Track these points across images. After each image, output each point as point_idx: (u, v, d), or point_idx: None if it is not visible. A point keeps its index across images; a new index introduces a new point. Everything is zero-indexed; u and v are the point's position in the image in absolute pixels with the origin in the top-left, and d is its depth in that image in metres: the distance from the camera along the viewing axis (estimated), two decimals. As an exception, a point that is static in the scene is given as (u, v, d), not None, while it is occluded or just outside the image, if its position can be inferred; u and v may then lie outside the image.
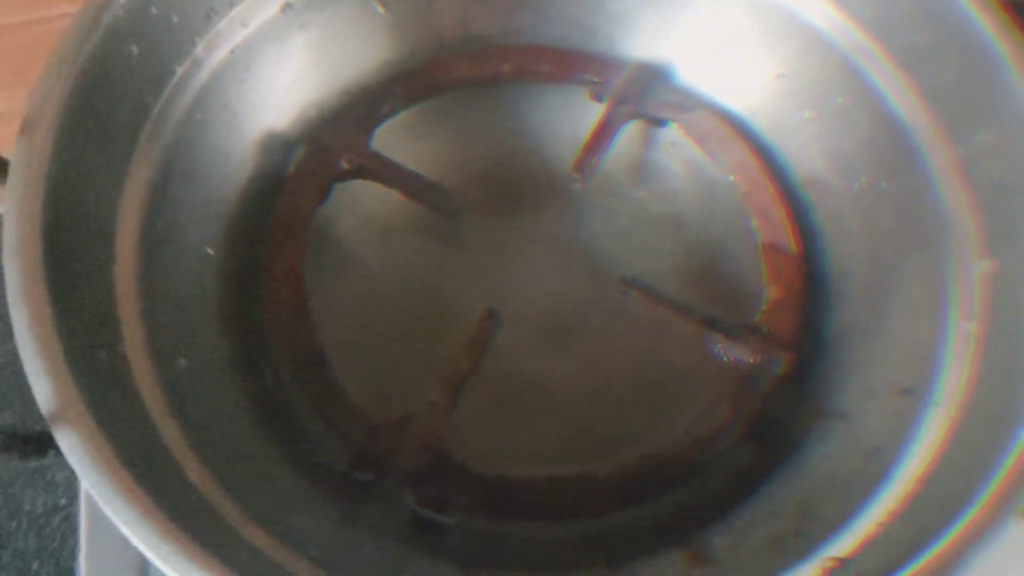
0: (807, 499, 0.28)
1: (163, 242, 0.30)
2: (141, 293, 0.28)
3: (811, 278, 0.34)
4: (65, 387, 0.22)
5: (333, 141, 0.36)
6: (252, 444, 0.29)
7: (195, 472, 0.25)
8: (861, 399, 0.30)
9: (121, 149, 0.30)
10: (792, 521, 0.27)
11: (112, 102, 0.30)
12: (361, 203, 0.36)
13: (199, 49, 0.32)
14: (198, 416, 0.27)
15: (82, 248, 0.27)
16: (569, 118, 0.39)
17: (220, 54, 0.33)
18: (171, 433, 0.25)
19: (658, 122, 0.39)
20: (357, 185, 0.36)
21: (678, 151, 0.39)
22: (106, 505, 0.21)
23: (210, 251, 0.33)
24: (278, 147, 0.36)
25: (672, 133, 0.39)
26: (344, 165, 0.35)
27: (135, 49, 0.30)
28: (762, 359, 0.32)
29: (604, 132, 0.37)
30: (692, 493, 0.30)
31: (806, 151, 0.37)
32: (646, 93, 0.38)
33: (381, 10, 0.38)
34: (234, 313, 0.32)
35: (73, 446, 0.21)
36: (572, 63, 0.39)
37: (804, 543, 0.26)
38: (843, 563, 0.24)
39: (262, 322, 0.33)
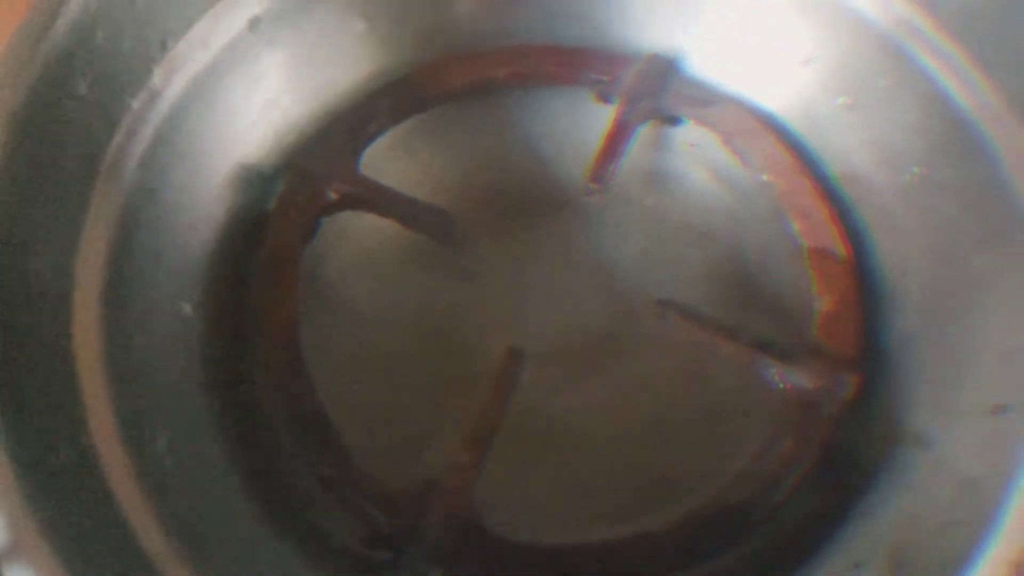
0: (899, 546, 0.24)
1: (130, 304, 0.26)
2: (107, 368, 0.24)
3: (866, 283, 0.30)
4: (15, 514, 0.18)
5: (316, 169, 0.32)
6: (252, 534, 0.25)
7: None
8: (943, 421, 0.27)
9: (73, 200, 0.25)
10: (884, 573, 0.24)
11: (58, 147, 0.25)
12: (354, 237, 0.32)
13: (156, 78, 0.28)
14: (184, 507, 0.23)
15: (32, 323, 0.23)
16: (576, 124, 0.36)
17: (181, 81, 0.29)
18: (152, 538, 0.21)
19: (673, 121, 0.35)
20: (347, 217, 0.32)
21: (699, 152, 0.35)
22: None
23: (187, 308, 0.29)
24: (255, 181, 0.32)
25: (690, 132, 0.35)
26: (331, 196, 0.31)
27: (81, 83, 0.26)
28: (824, 382, 0.28)
29: (619, 135, 0.33)
30: (760, 544, 0.27)
31: (844, 143, 0.33)
32: (661, 89, 0.34)
33: (361, 24, 0.34)
34: (220, 376, 0.28)
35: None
36: (575, 62, 0.35)
37: (907, 605, 0.22)
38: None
39: (254, 384, 0.28)
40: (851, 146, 0.33)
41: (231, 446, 0.27)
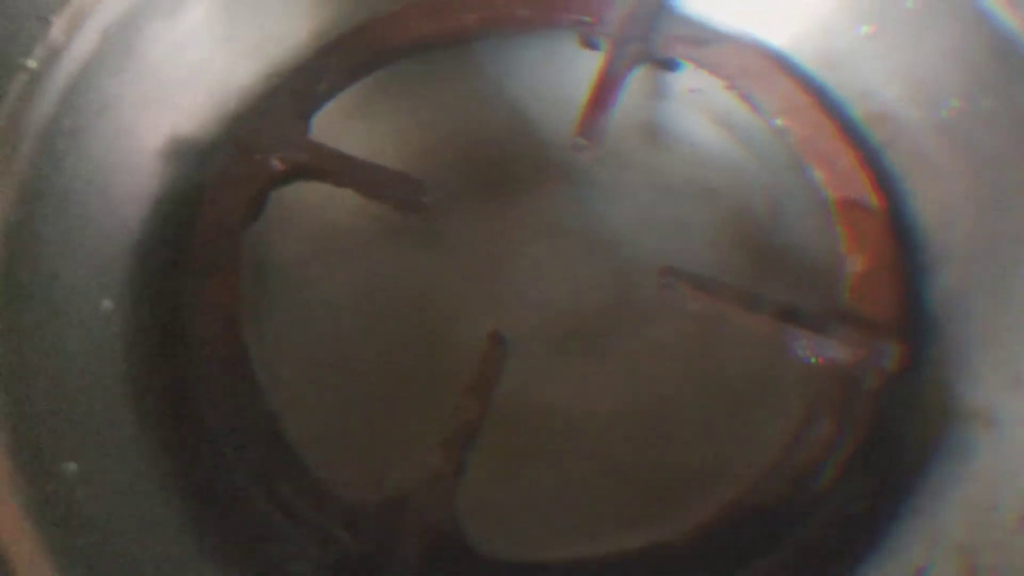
0: (970, 547, 0.20)
1: (32, 303, 0.22)
2: (2, 379, 0.20)
3: (903, 237, 0.26)
4: None
5: (260, 137, 0.27)
6: (187, 565, 0.21)
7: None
8: (1007, 390, 0.23)
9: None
10: (957, 582, 0.20)
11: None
12: (306, 212, 0.28)
13: (57, 31, 0.24)
14: (101, 543, 0.19)
15: None
16: (558, 73, 0.32)
17: (89, 37, 0.25)
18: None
19: (669, 65, 0.31)
20: (298, 189, 0.28)
21: (700, 98, 0.31)
22: None
23: (107, 303, 0.24)
24: (188, 154, 0.28)
25: (690, 77, 0.31)
26: (277, 165, 0.27)
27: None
28: (863, 353, 0.24)
29: (608, 83, 0.29)
30: (796, 550, 0.23)
31: (869, 79, 0.29)
32: (653, 29, 0.30)
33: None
34: (148, 384, 0.24)
35: None
36: (554, 3, 0.31)
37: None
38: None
39: (190, 388, 0.24)
40: (877, 82, 0.29)
41: (163, 468, 0.22)
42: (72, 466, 0.20)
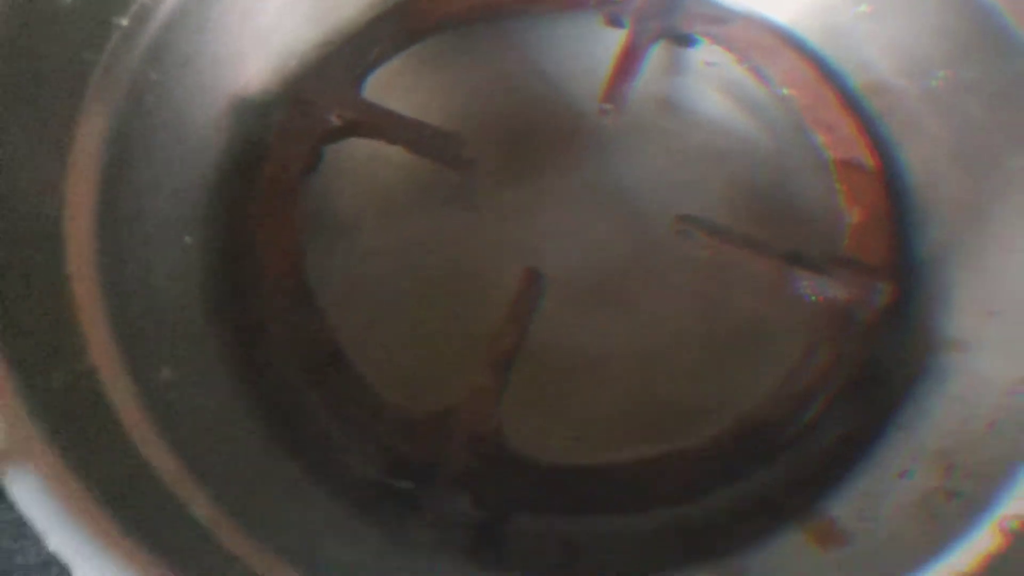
0: (946, 451, 0.23)
1: (127, 231, 0.25)
2: (105, 295, 0.23)
3: (895, 193, 0.29)
4: (16, 418, 0.17)
5: (318, 95, 0.30)
6: (262, 462, 0.24)
7: (198, 505, 0.19)
8: (980, 324, 0.26)
9: (59, 121, 0.24)
10: (936, 480, 0.23)
11: (42, 65, 0.24)
12: (359, 165, 0.31)
13: (145, -6, 0.27)
14: (193, 435, 0.22)
15: (21, 244, 0.21)
16: (585, 49, 0.34)
17: (172, 0, 0.28)
18: (162, 460, 0.20)
19: (687, 41, 0.34)
20: (351, 144, 0.30)
21: (714, 71, 0.34)
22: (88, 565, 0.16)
23: (187, 238, 0.27)
24: (255, 108, 0.30)
25: (705, 51, 0.34)
26: (334, 121, 0.30)
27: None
28: (859, 292, 0.27)
29: (631, 56, 0.32)
30: (797, 459, 0.26)
31: (865, 52, 0.32)
32: (670, 8, 0.33)
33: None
34: (224, 307, 0.27)
35: (32, 492, 0.16)
36: (583, -17, 0.34)
37: (963, 505, 0.21)
38: (1030, 522, 0.19)
39: (260, 315, 0.27)
40: (873, 55, 0.31)
41: (239, 379, 0.25)
42: (167, 370, 0.23)
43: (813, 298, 0.27)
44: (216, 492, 0.20)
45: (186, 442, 0.21)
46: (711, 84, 0.34)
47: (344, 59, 0.31)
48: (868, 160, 0.30)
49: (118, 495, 0.17)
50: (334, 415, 0.26)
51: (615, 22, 0.34)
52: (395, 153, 0.30)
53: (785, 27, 0.33)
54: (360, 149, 0.31)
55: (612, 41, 0.33)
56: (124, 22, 0.26)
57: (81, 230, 0.23)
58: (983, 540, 0.19)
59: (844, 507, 0.24)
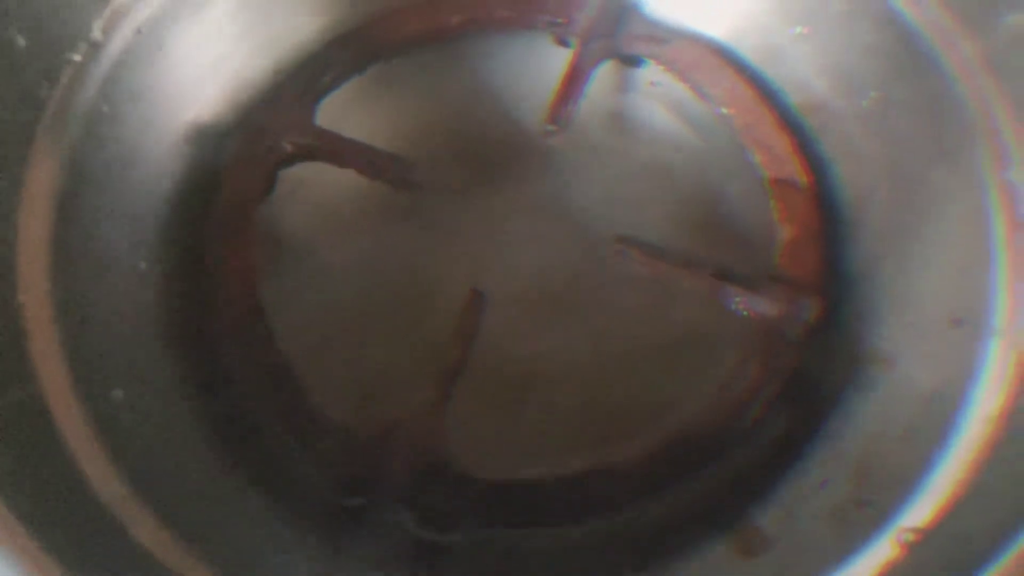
0: (862, 460, 0.24)
1: (80, 260, 0.26)
2: (58, 321, 0.24)
3: (827, 210, 0.30)
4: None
5: (271, 122, 0.31)
6: (214, 481, 0.25)
7: (143, 528, 0.20)
8: (905, 337, 0.27)
9: (13, 155, 0.25)
10: (851, 488, 0.24)
11: (-4, 100, 0.25)
12: (312, 189, 0.32)
13: (96, 31, 0.28)
14: (143, 457, 0.23)
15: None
16: (534, 68, 0.35)
17: (124, 35, 0.29)
18: (109, 485, 0.21)
19: (633, 61, 0.35)
20: (305, 169, 0.32)
21: (659, 90, 0.35)
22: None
23: (143, 264, 0.28)
24: (209, 137, 0.31)
25: (650, 71, 0.35)
26: (287, 148, 0.31)
27: (19, 39, 0.26)
28: (788, 308, 0.28)
29: (576, 76, 0.33)
30: (727, 469, 0.27)
31: (802, 72, 0.33)
32: (616, 29, 0.34)
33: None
34: (179, 330, 0.28)
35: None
36: (530, 5, 0.35)
37: (871, 514, 0.22)
38: (924, 534, 0.20)
39: (214, 336, 0.28)
40: (810, 74, 0.32)
41: (193, 399, 0.26)
42: (119, 393, 0.24)
43: (745, 313, 0.28)
44: (162, 512, 0.22)
45: (134, 463, 0.23)
46: (656, 103, 0.35)
47: (296, 86, 0.32)
48: (802, 178, 0.31)
49: (57, 523, 0.18)
50: (283, 433, 0.27)
51: (563, 42, 0.35)
52: (348, 176, 0.32)
53: (728, 47, 0.34)
54: (314, 172, 0.32)
55: (561, 60, 0.34)
56: (77, 58, 0.27)
57: (34, 260, 0.24)
58: (883, 550, 0.20)
59: (769, 516, 0.25)
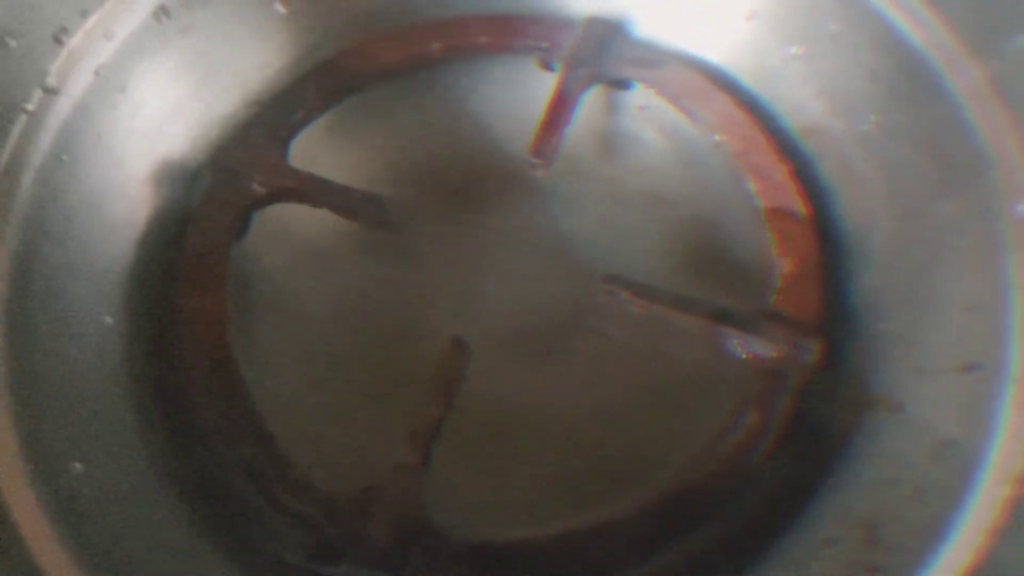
0: (871, 519, 0.23)
1: (39, 319, 0.24)
2: (9, 390, 0.22)
3: (827, 242, 0.29)
4: None
5: (241, 163, 0.30)
6: (183, 550, 0.24)
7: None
8: (913, 382, 0.25)
9: (-37, 213, 0.24)
10: (859, 550, 0.22)
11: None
12: (287, 230, 0.31)
13: (51, 77, 0.26)
14: (106, 534, 0.22)
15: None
16: (518, 94, 0.34)
17: (82, 77, 0.27)
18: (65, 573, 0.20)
19: (621, 84, 0.33)
20: (279, 210, 0.30)
21: (649, 115, 0.33)
22: None
23: (108, 319, 0.27)
24: (177, 179, 0.30)
25: (640, 95, 0.33)
26: (258, 189, 0.30)
27: (-33, 88, 0.24)
28: (787, 349, 0.26)
29: (562, 104, 0.31)
30: (725, 526, 0.25)
31: (799, 94, 0.31)
32: (603, 52, 0.33)
33: (283, 9, 0.32)
34: (146, 387, 0.27)
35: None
36: (513, 29, 0.34)
37: (882, 582, 0.21)
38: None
39: (182, 392, 0.27)
40: (806, 97, 0.31)
41: (159, 461, 0.25)
42: (79, 466, 0.23)
43: (743, 356, 0.27)
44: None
45: (95, 544, 0.21)
46: (646, 128, 0.33)
47: (267, 123, 0.31)
48: (800, 207, 0.29)
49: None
50: (257, 495, 0.25)
51: (549, 66, 0.34)
52: (325, 216, 0.30)
53: (719, 69, 0.33)
54: (287, 213, 0.30)
55: (546, 84, 0.32)
56: (30, 106, 0.26)
57: (-13, 325, 0.23)
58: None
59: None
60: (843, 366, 0.27)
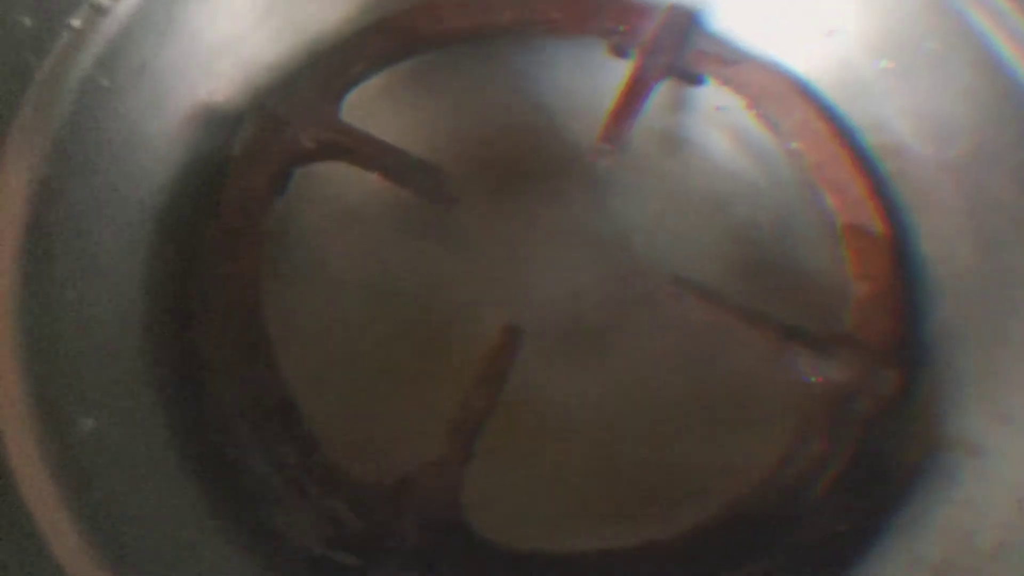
0: (946, 569, 0.21)
1: (55, 258, 0.22)
2: (21, 330, 0.20)
3: (905, 265, 0.27)
4: None
5: (290, 113, 0.28)
6: (193, 529, 0.22)
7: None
8: (995, 426, 0.24)
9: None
10: (931, 601, 0.21)
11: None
12: (330, 191, 0.28)
13: (101, -8, 0.24)
14: (112, 500, 0.19)
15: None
16: (586, 79, 0.32)
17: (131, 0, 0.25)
18: (65, 539, 0.17)
19: (694, 80, 0.32)
20: (324, 168, 0.28)
21: (724, 116, 0.32)
22: None
23: (131, 268, 0.24)
24: (218, 122, 0.28)
25: (715, 94, 0.31)
26: (306, 142, 0.27)
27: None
28: (861, 377, 0.25)
29: (636, 91, 0.29)
30: (781, 559, 0.23)
31: (884, 111, 0.30)
32: (682, 44, 0.31)
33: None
34: (167, 349, 0.24)
35: None
36: (588, 9, 0.32)
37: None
38: None
39: (206, 359, 0.25)
40: (891, 114, 0.29)
41: (174, 431, 0.23)
42: (89, 422, 0.21)
43: (811, 379, 0.25)
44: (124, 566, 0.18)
45: (100, 509, 0.19)
46: (718, 128, 0.31)
47: (321, 74, 0.29)
48: (878, 226, 0.28)
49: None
50: (276, 475, 0.23)
51: (621, 52, 0.32)
52: (372, 180, 0.28)
53: (801, 76, 0.31)
54: (333, 173, 0.28)
55: (615, 72, 0.30)
56: (76, 23, 0.23)
57: (2, 259, 0.21)
58: None
59: (829, 619, 0.22)
60: (918, 401, 0.25)
